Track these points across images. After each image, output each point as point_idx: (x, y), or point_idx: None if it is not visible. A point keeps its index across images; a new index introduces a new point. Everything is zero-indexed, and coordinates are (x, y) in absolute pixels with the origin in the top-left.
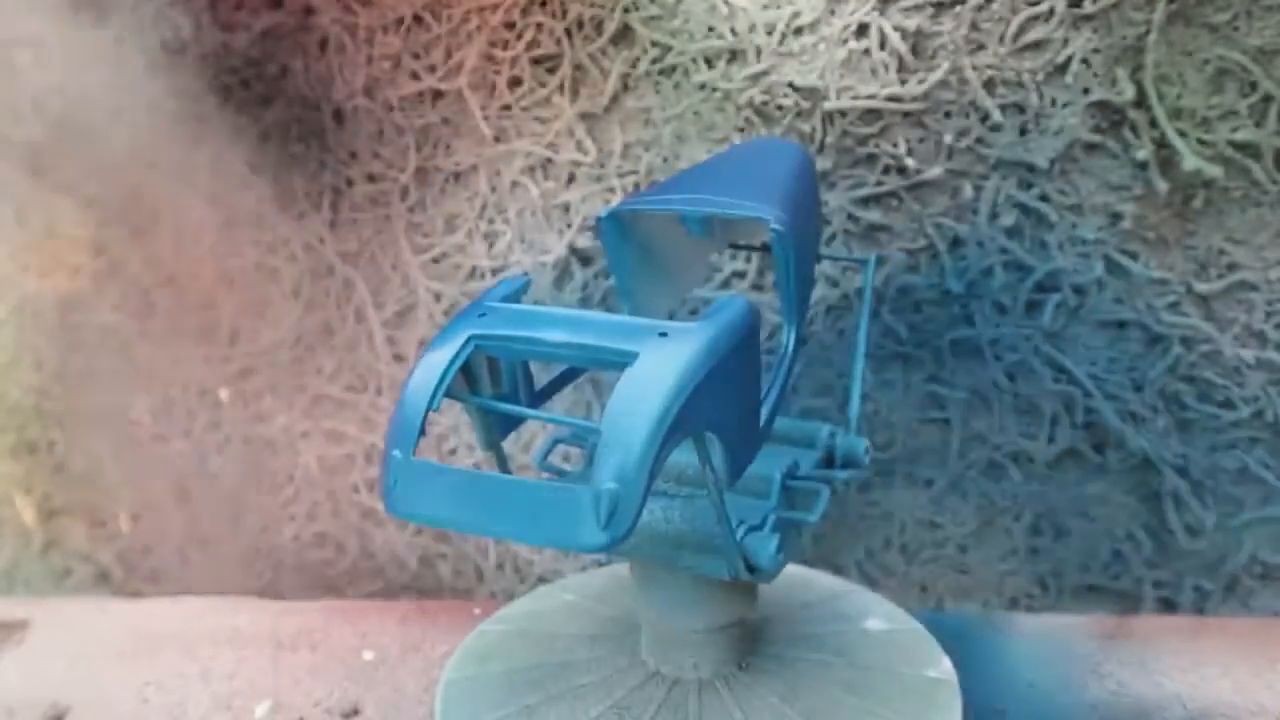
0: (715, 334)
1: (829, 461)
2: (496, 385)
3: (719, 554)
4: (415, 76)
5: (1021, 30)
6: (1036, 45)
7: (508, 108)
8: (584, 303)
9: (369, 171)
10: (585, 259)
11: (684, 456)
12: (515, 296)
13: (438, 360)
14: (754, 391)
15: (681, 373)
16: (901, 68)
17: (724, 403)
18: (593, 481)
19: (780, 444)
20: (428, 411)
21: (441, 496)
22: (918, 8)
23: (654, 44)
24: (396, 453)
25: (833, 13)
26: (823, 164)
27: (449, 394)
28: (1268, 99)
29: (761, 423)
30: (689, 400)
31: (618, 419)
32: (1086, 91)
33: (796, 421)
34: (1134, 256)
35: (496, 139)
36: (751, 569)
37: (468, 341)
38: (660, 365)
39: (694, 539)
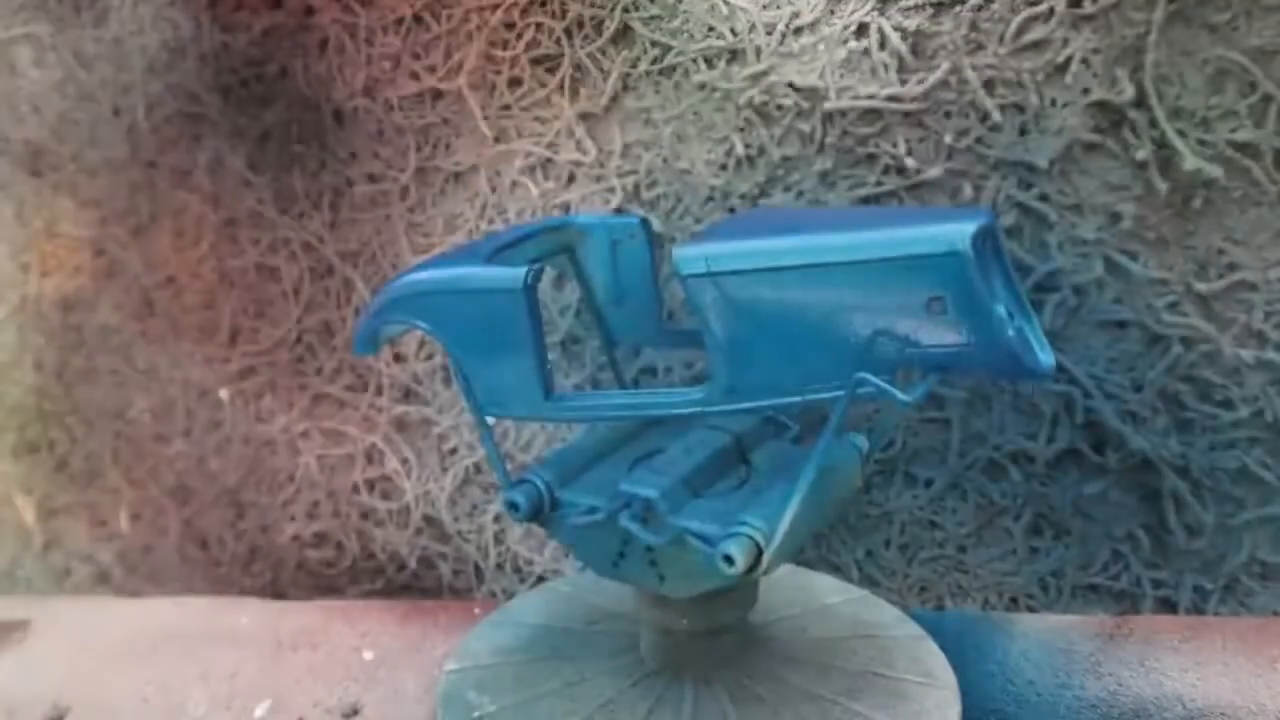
0: (473, 273)
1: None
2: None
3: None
4: (415, 76)
5: (1021, 30)
6: (1036, 45)
7: (508, 108)
8: (584, 302)
9: (369, 171)
10: None
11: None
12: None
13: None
14: (515, 350)
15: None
16: (901, 68)
17: (458, 326)
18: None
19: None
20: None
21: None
22: (918, 8)
23: (654, 44)
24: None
25: (833, 13)
26: (823, 164)
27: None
28: (1268, 99)
29: (548, 398)
30: (401, 296)
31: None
32: (1086, 91)
33: (753, 497)
34: (1134, 256)
35: (496, 139)
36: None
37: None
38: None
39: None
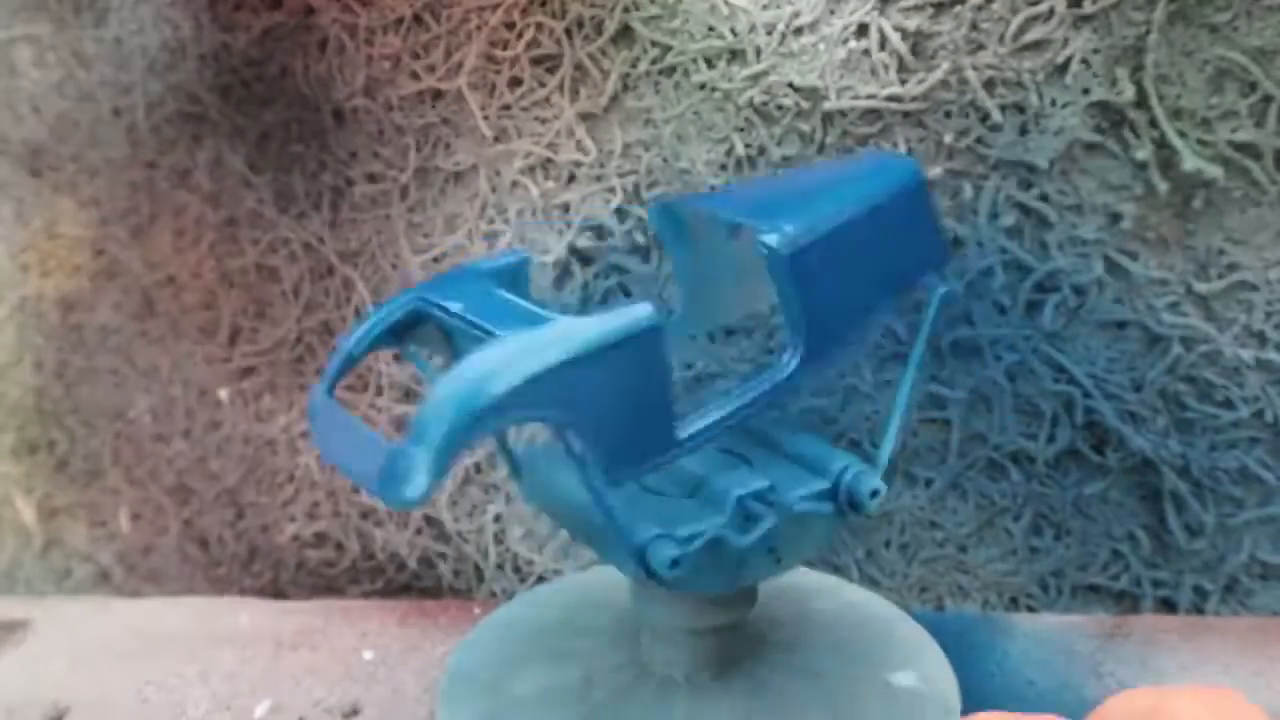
0: (589, 332)
1: (835, 494)
2: (445, 354)
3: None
4: (415, 76)
5: (1021, 30)
6: (1036, 45)
7: (508, 108)
8: (584, 302)
9: (369, 171)
10: (585, 259)
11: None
12: (510, 271)
13: (378, 313)
14: (647, 399)
15: (517, 356)
16: (901, 68)
17: (589, 400)
18: (402, 441)
19: (791, 463)
20: (350, 357)
21: (330, 434)
22: (918, 8)
23: (654, 44)
24: (316, 388)
25: (833, 13)
26: None
27: (397, 349)
28: (1268, 99)
29: (678, 434)
30: (522, 386)
31: (446, 384)
32: (1086, 91)
33: (820, 444)
34: (1134, 256)
35: (496, 139)
36: (651, 573)
37: (411, 300)
38: (506, 347)
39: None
